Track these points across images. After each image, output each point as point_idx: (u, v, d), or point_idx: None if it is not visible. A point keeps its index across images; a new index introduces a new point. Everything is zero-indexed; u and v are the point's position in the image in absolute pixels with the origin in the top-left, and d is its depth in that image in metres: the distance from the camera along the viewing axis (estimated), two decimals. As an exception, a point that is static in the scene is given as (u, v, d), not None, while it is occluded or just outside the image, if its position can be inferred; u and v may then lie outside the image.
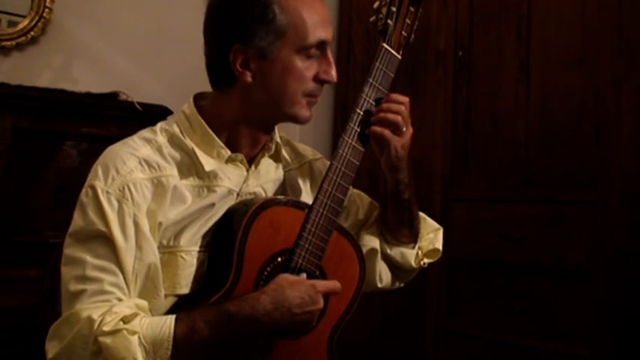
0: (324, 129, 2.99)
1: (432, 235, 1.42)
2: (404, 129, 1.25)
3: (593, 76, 2.02)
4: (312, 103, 1.23)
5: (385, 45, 1.25)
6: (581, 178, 2.03)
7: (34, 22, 2.37)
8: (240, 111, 1.21)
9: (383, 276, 1.38)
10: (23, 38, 2.36)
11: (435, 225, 1.44)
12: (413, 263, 1.38)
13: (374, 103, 1.24)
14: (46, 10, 2.38)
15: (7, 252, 2.03)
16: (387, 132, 1.23)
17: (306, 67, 1.19)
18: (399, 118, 1.24)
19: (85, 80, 2.43)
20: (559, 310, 2.04)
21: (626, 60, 1.99)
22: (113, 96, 2.31)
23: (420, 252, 1.39)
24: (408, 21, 1.28)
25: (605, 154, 1.97)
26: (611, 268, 1.94)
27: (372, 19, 1.29)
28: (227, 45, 1.18)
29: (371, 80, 1.24)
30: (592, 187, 1.99)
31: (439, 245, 1.41)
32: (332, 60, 1.22)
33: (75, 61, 2.48)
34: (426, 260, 1.40)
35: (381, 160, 1.29)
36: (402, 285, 1.44)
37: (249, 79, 1.18)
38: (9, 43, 2.33)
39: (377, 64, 1.24)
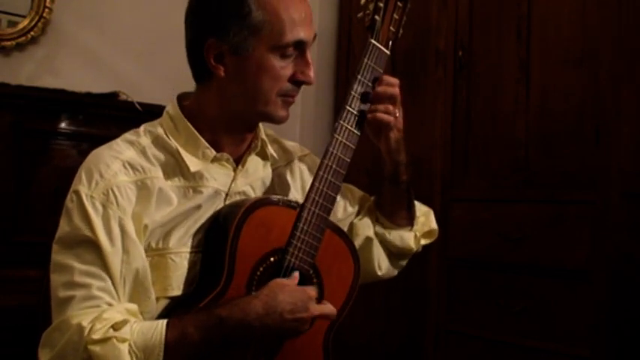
0: (324, 129, 2.99)
1: (423, 218, 1.43)
2: (397, 114, 1.28)
3: (593, 76, 2.02)
4: (288, 103, 1.22)
5: (373, 41, 1.24)
6: (581, 178, 2.03)
7: (34, 22, 2.37)
8: (218, 107, 1.21)
9: (382, 264, 1.39)
10: (23, 38, 2.36)
11: (425, 207, 1.46)
12: (413, 245, 1.40)
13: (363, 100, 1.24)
14: (46, 10, 2.38)
15: (7, 252, 2.03)
16: (391, 119, 1.25)
17: (283, 67, 1.17)
18: (394, 103, 1.26)
19: (85, 80, 2.42)
20: (559, 310, 2.03)
21: (626, 60, 1.99)
22: (113, 96, 2.31)
23: (417, 233, 1.41)
24: (395, 16, 1.27)
25: (605, 154, 1.97)
26: (611, 268, 1.94)
27: (360, 15, 1.28)
28: (202, 38, 1.17)
29: (359, 77, 1.23)
30: (592, 187, 1.99)
31: (434, 225, 1.44)
32: (310, 61, 1.20)
33: (75, 61, 2.48)
34: (423, 242, 1.42)
35: (381, 144, 1.30)
36: (395, 273, 1.45)
37: (222, 73, 1.17)
38: (9, 43, 2.33)
39: (365, 60, 1.23)
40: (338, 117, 1.22)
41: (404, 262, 1.45)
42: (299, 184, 1.36)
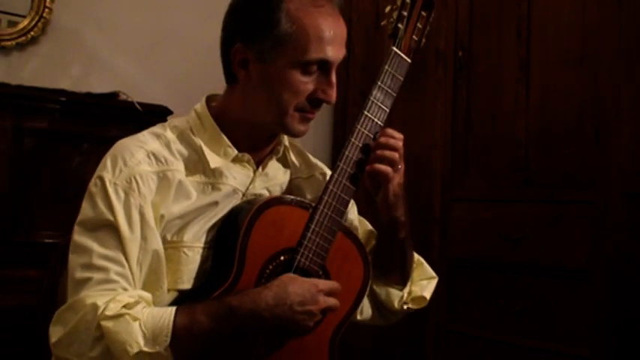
0: (325, 129, 2.99)
1: (425, 282, 1.39)
2: (399, 166, 1.23)
3: (593, 76, 2.02)
4: (307, 119, 1.21)
5: (395, 48, 1.24)
6: (581, 178, 2.03)
7: (34, 22, 2.37)
8: (241, 110, 1.22)
9: (364, 309, 1.35)
10: (23, 38, 2.36)
11: (431, 273, 1.41)
12: (396, 304, 1.35)
13: (384, 107, 1.23)
14: (46, 10, 2.38)
15: (7, 252, 2.03)
16: (390, 170, 1.21)
17: (304, 82, 1.16)
18: (396, 155, 1.22)
19: (85, 80, 2.43)
20: (559, 310, 2.04)
21: (626, 60, 1.99)
22: (113, 96, 2.31)
23: (406, 295, 1.36)
24: (419, 25, 1.27)
25: (605, 154, 1.97)
26: (611, 268, 1.94)
27: (384, 22, 1.28)
28: (231, 42, 1.18)
29: (380, 83, 1.22)
30: (592, 187, 1.99)
31: (428, 294, 1.38)
32: (334, 81, 1.18)
33: (75, 61, 2.48)
34: (410, 306, 1.37)
35: (378, 198, 1.26)
36: (386, 324, 1.40)
37: (243, 78, 1.18)
38: (9, 43, 2.34)
39: (386, 67, 1.23)
40: (355, 121, 1.22)
41: (393, 317, 1.39)
42: (315, 199, 1.35)
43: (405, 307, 1.36)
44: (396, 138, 1.23)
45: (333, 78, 1.18)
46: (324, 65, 1.17)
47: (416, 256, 1.39)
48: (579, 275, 1.99)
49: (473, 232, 2.29)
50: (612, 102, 1.98)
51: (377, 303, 1.36)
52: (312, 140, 2.93)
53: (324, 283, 1.17)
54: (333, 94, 1.18)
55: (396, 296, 1.35)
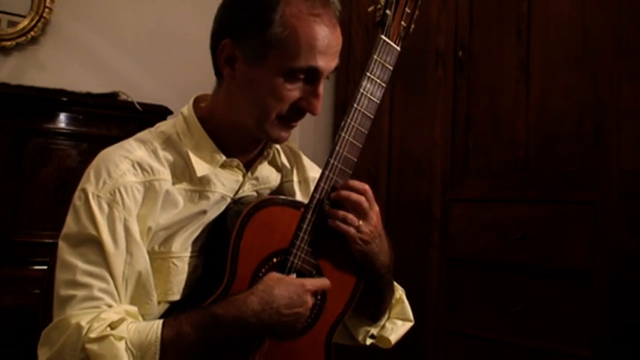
0: (324, 129, 2.99)
1: (399, 322, 1.37)
2: (359, 223, 1.17)
3: (593, 76, 2.02)
4: (288, 126, 1.17)
5: (383, 37, 1.20)
6: (581, 178, 2.03)
7: (34, 22, 2.37)
8: (225, 110, 1.18)
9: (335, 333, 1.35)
10: (23, 38, 2.36)
11: (409, 315, 1.38)
12: (359, 338, 1.35)
13: (374, 99, 1.20)
14: (46, 10, 2.39)
15: (7, 252, 2.03)
16: (351, 229, 1.16)
17: (289, 89, 1.12)
18: (359, 208, 1.16)
19: (85, 80, 2.43)
20: (559, 310, 2.03)
21: (626, 60, 1.99)
22: (113, 96, 2.31)
23: (377, 330, 1.35)
24: (407, 10, 1.22)
25: (605, 154, 1.97)
26: (611, 268, 1.94)
27: (371, 9, 1.24)
28: (220, 36, 1.15)
29: (369, 74, 1.18)
30: (592, 187, 1.99)
31: (395, 339, 1.36)
32: (321, 92, 1.14)
33: (75, 61, 2.48)
34: (374, 342, 1.35)
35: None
36: (347, 342, 1.38)
37: (228, 74, 1.15)
38: (9, 43, 2.34)
39: (375, 56, 1.19)
40: (345, 115, 1.19)
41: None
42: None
43: (368, 342, 1.36)
44: (358, 190, 1.17)
45: (320, 89, 1.14)
46: (312, 74, 1.12)
47: (399, 293, 1.38)
48: (579, 275, 1.99)
49: (473, 232, 2.29)
50: (612, 102, 1.98)
51: (345, 327, 1.35)
52: (312, 140, 2.94)
53: (311, 283, 1.15)
54: (317, 105, 1.14)
55: (363, 331, 1.35)
